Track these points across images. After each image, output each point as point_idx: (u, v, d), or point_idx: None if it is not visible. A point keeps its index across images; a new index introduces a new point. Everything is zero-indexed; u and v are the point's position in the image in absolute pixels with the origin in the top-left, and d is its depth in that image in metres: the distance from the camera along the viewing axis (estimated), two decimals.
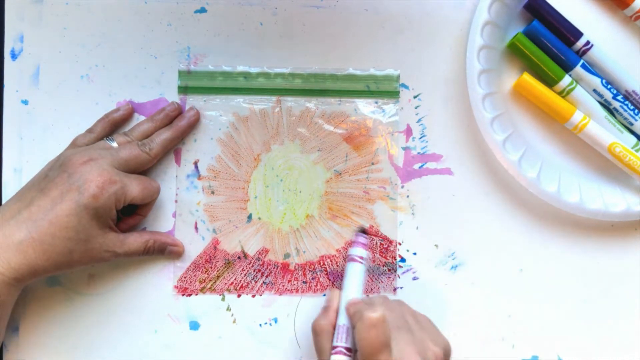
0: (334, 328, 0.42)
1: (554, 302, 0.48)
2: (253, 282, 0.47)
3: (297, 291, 0.47)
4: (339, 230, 0.47)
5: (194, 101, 0.47)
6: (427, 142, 0.47)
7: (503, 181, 0.47)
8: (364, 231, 0.46)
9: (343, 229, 0.47)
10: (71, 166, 0.41)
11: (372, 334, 0.38)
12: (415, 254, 0.47)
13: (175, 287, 0.47)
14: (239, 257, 0.47)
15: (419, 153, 0.47)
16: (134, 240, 0.44)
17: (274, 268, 0.47)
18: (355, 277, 0.44)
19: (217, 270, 0.47)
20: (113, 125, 0.46)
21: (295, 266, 0.47)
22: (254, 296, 0.47)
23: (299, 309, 0.47)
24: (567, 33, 0.46)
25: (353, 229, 0.47)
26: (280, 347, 0.47)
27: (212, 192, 0.47)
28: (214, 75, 0.47)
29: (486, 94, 0.45)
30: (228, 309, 0.47)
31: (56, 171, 0.41)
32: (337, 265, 0.47)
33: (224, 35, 0.47)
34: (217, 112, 0.47)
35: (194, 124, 0.46)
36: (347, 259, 0.45)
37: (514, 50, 0.46)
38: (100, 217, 0.41)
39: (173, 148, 0.46)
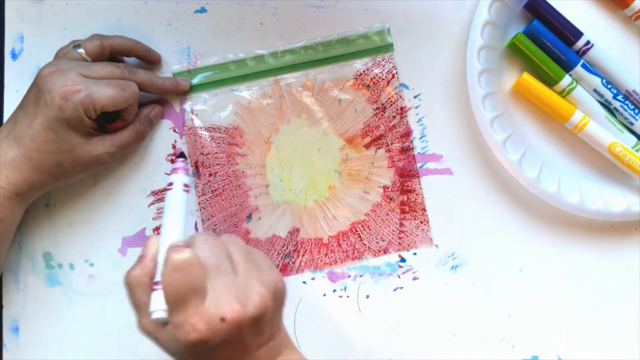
0: (152, 279, 0.35)
1: (554, 302, 0.48)
2: (291, 262, 0.47)
3: (335, 262, 0.47)
4: (363, 194, 0.47)
5: (194, 101, 0.47)
6: (427, 142, 0.47)
7: (503, 181, 0.47)
8: (182, 155, 0.39)
9: (367, 193, 0.47)
10: (40, 79, 0.40)
11: (176, 279, 0.33)
12: (415, 254, 0.47)
13: None
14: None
15: (419, 153, 0.47)
16: (122, 134, 0.43)
17: (308, 245, 0.47)
18: (175, 213, 0.37)
19: None
20: (105, 50, 0.43)
21: (328, 239, 0.47)
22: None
23: (299, 309, 0.47)
24: (567, 33, 0.46)
25: (170, 158, 0.45)
26: None
27: (220, 193, 0.47)
28: (208, 70, 0.47)
29: (486, 94, 0.45)
30: None
31: (31, 86, 0.41)
32: (370, 229, 0.47)
33: (223, 35, 0.47)
34: (219, 105, 0.47)
35: (179, 88, 0.46)
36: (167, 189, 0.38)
37: (514, 50, 0.46)
38: (75, 127, 0.40)
39: (151, 92, 0.45)
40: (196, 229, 0.47)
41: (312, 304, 0.47)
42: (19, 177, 0.40)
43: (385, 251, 0.47)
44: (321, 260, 0.47)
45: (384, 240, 0.47)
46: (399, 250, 0.47)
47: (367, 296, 0.47)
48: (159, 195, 0.47)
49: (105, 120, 0.43)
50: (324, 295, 0.47)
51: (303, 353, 0.47)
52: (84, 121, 0.40)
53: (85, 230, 0.47)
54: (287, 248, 0.47)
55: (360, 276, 0.47)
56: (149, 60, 0.46)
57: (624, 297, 0.48)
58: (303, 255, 0.47)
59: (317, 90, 0.47)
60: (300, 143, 0.47)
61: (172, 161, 0.44)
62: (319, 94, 0.47)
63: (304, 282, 0.47)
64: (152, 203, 0.47)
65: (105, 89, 0.40)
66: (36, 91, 0.40)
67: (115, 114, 0.43)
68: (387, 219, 0.47)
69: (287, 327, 0.47)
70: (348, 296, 0.47)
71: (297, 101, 0.47)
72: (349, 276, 0.47)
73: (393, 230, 0.47)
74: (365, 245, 0.47)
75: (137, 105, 0.44)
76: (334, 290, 0.47)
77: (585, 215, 0.46)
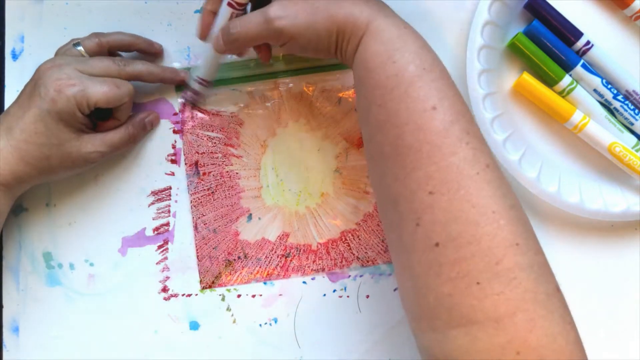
0: None
1: None
2: (279, 267, 0.47)
3: (323, 270, 0.47)
4: (356, 204, 0.47)
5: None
6: None
7: None
8: None
9: (360, 202, 0.47)
10: (37, 73, 0.41)
11: None
12: None
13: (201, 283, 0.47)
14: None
15: None
16: (114, 135, 0.43)
17: (296, 251, 0.47)
18: None
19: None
20: (103, 47, 0.44)
21: (317, 246, 0.47)
22: (254, 296, 0.47)
23: (299, 309, 0.47)
24: (567, 33, 0.46)
25: None
26: (280, 347, 0.47)
27: (212, 192, 0.47)
28: None
29: (486, 94, 0.45)
30: (228, 309, 0.47)
31: (29, 81, 0.41)
32: (359, 239, 0.47)
33: None
34: (218, 106, 0.47)
35: (178, 78, 0.46)
36: None
37: (514, 50, 0.46)
38: (67, 122, 0.40)
39: (150, 82, 0.45)
40: (196, 229, 0.47)
41: (312, 304, 0.47)
42: (5, 167, 0.40)
43: (374, 262, 0.47)
44: (309, 267, 0.47)
45: (373, 251, 0.47)
46: (387, 261, 0.47)
47: (367, 296, 0.47)
48: (159, 195, 0.47)
49: (98, 118, 0.43)
50: (324, 295, 0.47)
51: (303, 353, 0.47)
52: (76, 116, 0.40)
53: (86, 230, 0.47)
54: (275, 252, 0.47)
55: (360, 276, 0.47)
56: (151, 52, 0.46)
57: (624, 298, 0.48)
58: (291, 261, 0.47)
59: (317, 96, 0.47)
60: (296, 148, 0.47)
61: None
62: (318, 99, 0.47)
63: (304, 282, 0.47)
64: (152, 203, 0.47)
65: (100, 85, 0.40)
66: (32, 85, 0.40)
67: (108, 112, 0.43)
68: (377, 230, 0.47)
69: (287, 327, 0.47)
70: (348, 296, 0.47)
71: (296, 106, 0.47)
72: (349, 276, 0.47)
73: (383, 241, 0.47)
74: (353, 254, 0.47)
75: (131, 105, 0.44)
76: (334, 290, 0.47)
77: (585, 215, 0.46)
